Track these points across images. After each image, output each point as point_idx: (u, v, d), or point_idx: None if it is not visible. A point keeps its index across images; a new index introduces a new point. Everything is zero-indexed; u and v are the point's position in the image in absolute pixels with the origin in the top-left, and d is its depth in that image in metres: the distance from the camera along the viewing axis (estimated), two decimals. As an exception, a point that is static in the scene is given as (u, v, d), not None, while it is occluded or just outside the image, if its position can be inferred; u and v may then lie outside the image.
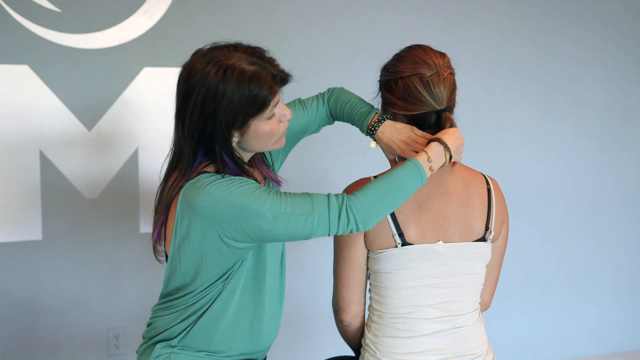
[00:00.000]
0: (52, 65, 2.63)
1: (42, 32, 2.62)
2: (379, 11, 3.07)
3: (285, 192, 1.50)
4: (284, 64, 2.93)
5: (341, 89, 1.88)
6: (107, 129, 2.69)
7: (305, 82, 2.95)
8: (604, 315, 3.54)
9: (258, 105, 1.49)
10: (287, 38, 2.94)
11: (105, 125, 2.69)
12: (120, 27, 2.70)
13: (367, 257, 1.67)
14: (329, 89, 1.89)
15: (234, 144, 1.54)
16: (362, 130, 1.77)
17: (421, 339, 1.63)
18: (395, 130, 1.68)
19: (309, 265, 3.03)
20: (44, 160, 2.64)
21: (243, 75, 1.48)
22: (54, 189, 2.66)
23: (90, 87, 2.68)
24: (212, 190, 1.47)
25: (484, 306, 1.84)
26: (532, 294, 3.41)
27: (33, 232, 2.65)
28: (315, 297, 3.04)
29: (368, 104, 1.80)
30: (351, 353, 1.90)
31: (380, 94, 1.75)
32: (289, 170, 2.88)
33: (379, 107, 1.79)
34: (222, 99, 1.47)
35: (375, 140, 1.73)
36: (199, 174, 1.53)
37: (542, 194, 3.39)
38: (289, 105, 1.84)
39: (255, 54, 1.55)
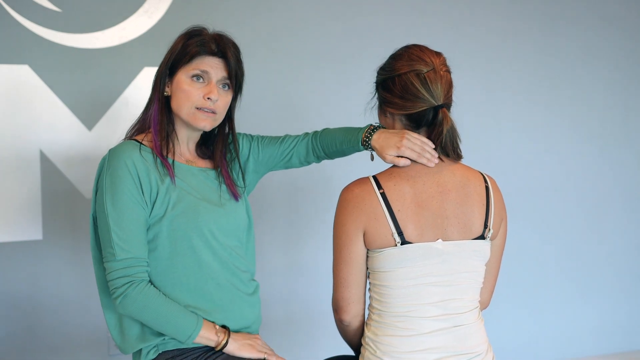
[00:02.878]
0: (52, 65, 2.63)
1: (43, 32, 2.62)
2: (378, 12, 3.07)
3: (120, 225, 1.64)
4: (284, 64, 2.94)
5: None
6: (107, 128, 2.70)
7: (306, 83, 2.97)
8: (605, 314, 3.54)
9: (184, 54, 1.70)
10: (287, 39, 2.94)
11: (106, 125, 2.69)
12: (120, 27, 2.70)
13: (367, 256, 1.68)
14: (315, 130, 2.01)
15: (166, 94, 1.74)
16: (356, 144, 1.85)
17: (421, 338, 1.63)
18: (389, 133, 1.74)
19: (308, 264, 3.03)
20: (45, 160, 2.64)
21: (194, 33, 1.73)
22: (55, 189, 2.66)
23: (90, 87, 2.68)
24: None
25: (483, 305, 1.84)
26: (533, 294, 3.41)
27: (33, 231, 2.65)
28: (314, 296, 3.04)
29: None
30: (351, 352, 1.91)
31: (377, 95, 1.77)
32: (289, 171, 2.89)
33: (376, 110, 1.80)
34: (171, 46, 1.75)
35: (371, 148, 1.79)
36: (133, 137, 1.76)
37: (542, 194, 3.39)
38: (276, 137, 1.98)
39: (222, 35, 1.76)
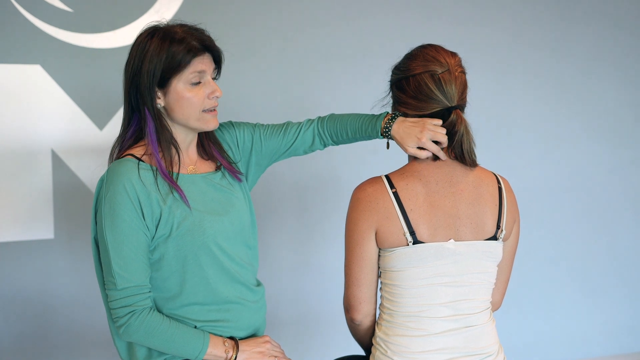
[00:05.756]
0: (64, 65, 2.65)
1: (54, 32, 2.63)
2: (390, 11, 3.07)
3: (122, 249, 1.61)
4: (294, 62, 2.93)
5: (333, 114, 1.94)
6: (118, 128, 2.67)
7: (316, 82, 2.97)
8: (615, 315, 3.53)
9: (176, 63, 1.61)
10: (298, 38, 2.94)
11: (117, 124, 2.69)
12: (131, 26, 2.71)
13: (379, 255, 1.67)
14: (319, 116, 1.93)
15: (159, 106, 1.65)
16: (374, 134, 1.80)
17: (432, 338, 1.63)
18: (410, 123, 1.70)
19: (318, 264, 3.03)
20: (56, 160, 2.65)
21: (167, 34, 1.62)
22: (66, 188, 2.67)
23: (101, 87, 2.69)
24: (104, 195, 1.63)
25: (495, 306, 1.84)
26: (543, 294, 3.40)
27: (45, 231, 2.67)
28: (324, 296, 3.04)
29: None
30: (361, 352, 1.90)
31: (391, 94, 1.76)
32: (298, 170, 2.90)
33: (389, 108, 1.80)
34: (147, 54, 1.61)
35: (391, 138, 1.75)
36: (124, 154, 1.67)
37: (552, 194, 3.38)
38: (278, 125, 1.90)
39: (191, 27, 1.67)
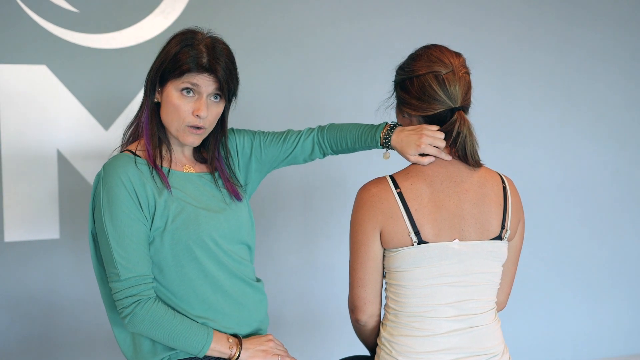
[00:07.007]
0: (69, 65, 2.65)
1: (60, 32, 2.64)
2: (395, 12, 3.07)
3: (121, 239, 1.61)
4: (299, 64, 2.93)
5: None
6: (124, 128, 2.69)
7: (321, 83, 2.97)
8: (621, 316, 3.52)
9: (177, 67, 1.62)
10: (303, 38, 2.94)
11: (122, 124, 2.67)
12: (137, 27, 2.72)
13: (383, 255, 1.67)
14: (319, 126, 1.94)
15: (156, 101, 1.69)
16: (373, 144, 1.81)
17: (437, 338, 1.63)
18: (408, 131, 1.72)
19: (323, 264, 3.03)
20: (62, 160, 2.66)
21: (188, 39, 1.65)
22: (72, 188, 2.68)
23: (107, 87, 2.70)
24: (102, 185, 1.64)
25: (500, 306, 1.84)
26: (549, 295, 3.39)
27: (51, 231, 2.67)
28: (329, 296, 3.04)
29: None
30: (366, 352, 1.91)
31: (395, 94, 1.76)
32: (304, 170, 2.90)
33: (393, 109, 1.80)
34: (163, 50, 1.68)
35: (391, 148, 1.77)
36: (126, 149, 1.72)
37: (557, 194, 3.37)
38: (278, 133, 1.92)
39: (217, 47, 1.66)
